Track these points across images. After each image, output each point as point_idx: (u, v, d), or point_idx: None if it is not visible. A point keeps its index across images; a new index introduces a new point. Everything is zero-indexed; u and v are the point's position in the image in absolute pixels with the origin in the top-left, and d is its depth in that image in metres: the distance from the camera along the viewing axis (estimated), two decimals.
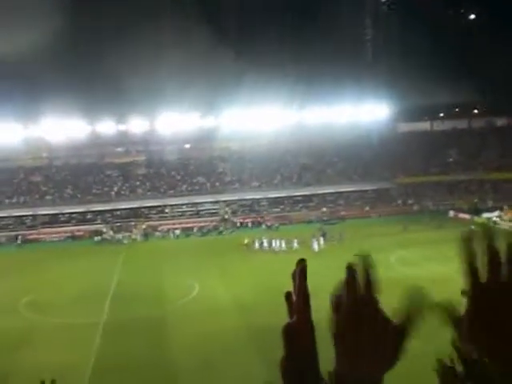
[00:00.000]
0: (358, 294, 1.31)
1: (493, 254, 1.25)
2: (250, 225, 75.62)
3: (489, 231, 1.29)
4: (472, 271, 1.26)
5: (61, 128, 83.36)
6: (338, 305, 1.36)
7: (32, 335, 31.33)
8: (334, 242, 56.05)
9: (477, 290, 1.24)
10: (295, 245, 55.04)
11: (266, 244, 56.88)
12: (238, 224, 75.88)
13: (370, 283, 1.31)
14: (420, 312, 1.26)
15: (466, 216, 69.02)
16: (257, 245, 57.13)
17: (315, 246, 53.81)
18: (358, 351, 1.28)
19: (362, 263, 1.32)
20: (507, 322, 1.21)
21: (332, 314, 1.38)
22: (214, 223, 75.81)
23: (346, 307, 1.33)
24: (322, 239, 55.98)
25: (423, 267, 40.56)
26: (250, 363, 25.26)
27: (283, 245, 55.59)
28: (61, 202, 78.66)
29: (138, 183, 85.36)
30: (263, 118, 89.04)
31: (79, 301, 38.59)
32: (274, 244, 56.38)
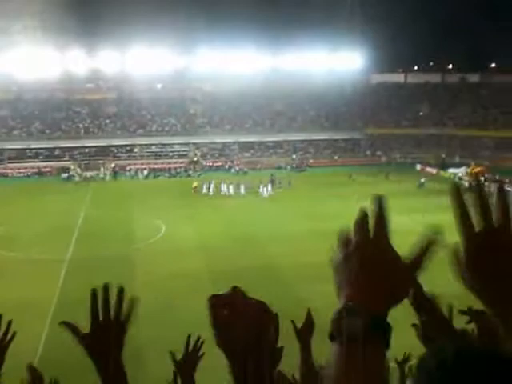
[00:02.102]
0: (368, 233, 1.31)
1: (483, 203, 1.29)
2: (214, 167, 75.75)
3: (477, 184, 1.36)
4: (465, 220, 1.29)
5: (30, 60, 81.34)
6: (347, 241, 1.35)
7: None
8: (281, 189, 57.35)
9: (471, 239, 1.28)
10: (242, 190, 56.17)
11: (212, 188, 57.18)
12: (207, 167, 75.94)
13: (382, 223, 1.32)
14: (432, 249, 1.28)
15: (433, 170, 69.91)
16: (204, 189, 57.34)
17: (264, 192, 55.06)
18: (365, 285, 1.27)
19: (376, 204, 1.33)
20: (503, 267, 1.24)
21: (340, 249, 1.36)
22: (183, 165, 75.63)
23: (356, 244, 1.32)
24: (269, 185, 56.87)
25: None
26: None
27: (231, 190, 56.43)
28: (28, 138, 77.50)
29: (107, 121, 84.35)
30: (237, 61, 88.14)
31: (45, 237, 38.52)
32: (222, 188, 56.88)
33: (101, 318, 2.01)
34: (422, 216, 42.38)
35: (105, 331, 2.01)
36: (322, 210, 44.92)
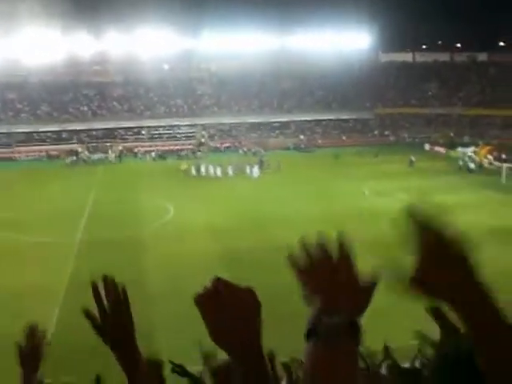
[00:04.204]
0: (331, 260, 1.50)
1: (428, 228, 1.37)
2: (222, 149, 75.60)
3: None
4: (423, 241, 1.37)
5: (36, 43, 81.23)
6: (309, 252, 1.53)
7: (7, 254, 31.39)
8: (270, 170, 57.85)
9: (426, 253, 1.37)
10: (230, 172, 56.28)
11: (203, 170, 57.38)
12: (215, 148, 75.86)
13: (344, 251, 1.50)
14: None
15: (441, 149, 69.67)
16: (194, 171, 57.42)
17: (254, 174, 55.62)
18: (338, 295, 1.46)
19: (338, 238, 1.51)
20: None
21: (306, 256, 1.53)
22: (191, 147, 75.54)
23: (325, 259, 1.51)
24: (256, 167, 56.98)
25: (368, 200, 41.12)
26: None
27: (218, 172, 56.49)
28: (36, 121, 77.52)
29: (114, 103, 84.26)
30: (244, 41, 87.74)
31: (55, 220, 38.63)
32: (211, 170, 57.02)
33: (107, 310, 2.08)
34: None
35: (116, 320, 2.09)
36: (310, 192, 45.65)
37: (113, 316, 2.06)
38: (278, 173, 56.59)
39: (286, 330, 13.19)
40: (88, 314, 2.04)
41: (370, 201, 42.97)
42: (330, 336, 1.34)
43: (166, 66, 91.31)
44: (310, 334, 1.37)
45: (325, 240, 1.51)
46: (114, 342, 2.10)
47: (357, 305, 1.45)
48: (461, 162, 58.76)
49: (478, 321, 1.34)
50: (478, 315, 1.34)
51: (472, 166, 57.78)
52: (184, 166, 58.74)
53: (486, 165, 59.07)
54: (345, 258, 1.48)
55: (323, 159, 64.63)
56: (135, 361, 2.13)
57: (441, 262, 1.36)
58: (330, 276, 1.46)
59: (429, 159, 62.60)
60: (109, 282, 2.06)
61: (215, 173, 56.49)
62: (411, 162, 58.55)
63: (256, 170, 56.23)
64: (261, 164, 58.85)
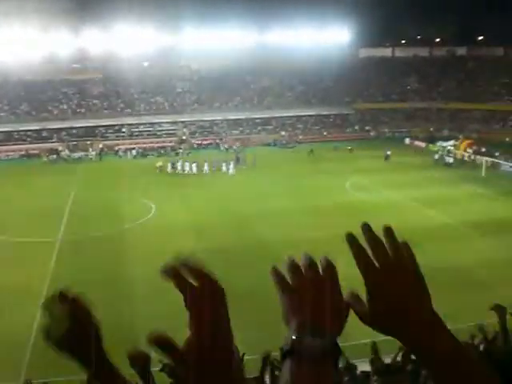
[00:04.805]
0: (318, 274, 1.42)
1: (376, 243, 1.40)
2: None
3: (366, 228, 1.43)
4: (365, 262, 1.39)
5: (15, 42, 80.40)
6: (295, 269, 1.44)
7: None
8: (244, 166, 58.39)
9: (372, 276, 1.39)
10: (206, 168, 56.50)
11: (179, 167, 57.77)
12: (196, 145, 75.62)
13: (331, 272, 1.43)
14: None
15: (421, 144, 70.13)
16: (169, 167, 57.76)
17: (230, 170, 55.90)
18: (317, 314, 1.36)
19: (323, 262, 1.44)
20: (404, 297, 1.38)
21: (290, 275, 1.44)
22: (172, 144, 75.29)
23: (307, 280, 1.42)
24: (232, 164, 57.09)
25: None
26: None
27: (194, 168, 56.84)
28: (15, 120, 76.76)
29: (94, 101, 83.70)
30: (224, 38, 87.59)
31: (35, 219, 38.36)
32: (186, 167, 57.39)
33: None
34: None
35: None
36: (284, 186, 46.27)
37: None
38: (252, 169, 56.78)
39: (269, 322, 13.23)
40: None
41: (349, 195, 43.26)
42: (313, 357, 1.29)
43: (145, 64, 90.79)
44: (290, 352, 1.33)
45: (313, 260, 1.46)
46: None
47: (339, 325, 1.40)
48: (436, 156, 59.22)
49: (440, 360, 1.30)
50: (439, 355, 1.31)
51: (450, 160, 58.19)
52: (159, 163, 58.92)
53: (466, 158, 59.61)
54: (331, 278, 1.42)
55: (302, 154, 64.91)
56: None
57: (390, 293, 1.37)
58: (316, 295, 1.40)
59: (408, 153, 63.03)
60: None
61: (191, 170, 56.80)
62: (387, 157, 58.92)
63: (232, 167, 56.42)
64: (237, 160, 59.15)
